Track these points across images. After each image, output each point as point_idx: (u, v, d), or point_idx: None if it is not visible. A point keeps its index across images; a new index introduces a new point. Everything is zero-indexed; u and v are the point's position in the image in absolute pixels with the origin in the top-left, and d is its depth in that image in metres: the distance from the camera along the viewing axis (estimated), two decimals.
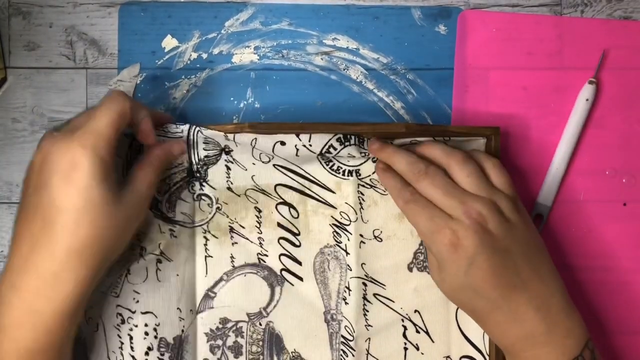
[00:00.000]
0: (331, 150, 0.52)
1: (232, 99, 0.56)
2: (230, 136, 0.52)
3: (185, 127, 0.51)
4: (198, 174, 0.52)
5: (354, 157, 0.52)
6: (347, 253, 0.53)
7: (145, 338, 0.51)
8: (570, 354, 0.46)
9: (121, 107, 0.45)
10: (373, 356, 0.53)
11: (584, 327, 0.47)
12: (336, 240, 0.53)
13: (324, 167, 0.53)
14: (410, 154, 0.49)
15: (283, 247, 0.53)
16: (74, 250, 0.42)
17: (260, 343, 0.53)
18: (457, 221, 0.46)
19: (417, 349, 0.53)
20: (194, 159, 0.51)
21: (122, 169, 0.51)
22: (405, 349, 0.53)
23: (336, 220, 0.53)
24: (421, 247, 0.53)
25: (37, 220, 0.42)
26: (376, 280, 0.53)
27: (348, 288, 0.53)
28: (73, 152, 0.42)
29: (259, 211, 0.53)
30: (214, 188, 0.52)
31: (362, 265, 0.53)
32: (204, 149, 0.51)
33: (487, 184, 0.48)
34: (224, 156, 0.52)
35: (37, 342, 0.42)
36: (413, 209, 0.48)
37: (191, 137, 0.51)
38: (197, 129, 0.51)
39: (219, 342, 0.53)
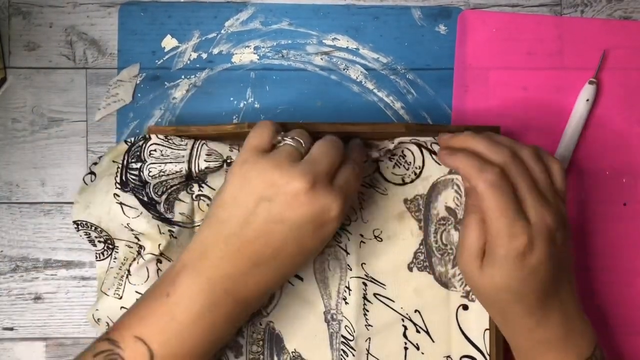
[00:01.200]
0: None
1: (232, 99, 0.56)
2: (235, 150, 0.51)
3: (191, 141, 0.51)
4: (197, 178, 0.52)
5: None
6: (347, 253, 0.53)
7: None
8: (583, 355, 0.46)
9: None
10: (373, 356, 0.53)
11: (593, 329, 0.47)
12: (336, 240, 0.53)
13: None
14: (489, 139, 0.46)
15: None
16: (288, 275, 0.46)
17: (261, 343, 0.53)
18: (537, 230, 0.44)
19: (418, 348, 0.53)
20: (194, 169, 0.50)
21: (120, 175, 0.51)
22: (406, 348, 0.53)
23: None
24: (421, 247, 0.53)
25: (262, 242, 0.43)
26: (376, 280, 0.53)
27: (348, 288, 0.53)
28: (333, 211, 0.43)
29: None
30: (213, 189, 0.52)
31: (362, 265, 0.53)
32: (205, 161, 0.50)
33: (552, 188, 0.46)
34: (224, 167, 0.51)
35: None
36: (496, 197, 0.43)
37: (194, 150, 0.51)
38: (202, 142, 0.51)
39: None
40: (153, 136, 0.50)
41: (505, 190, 0.44)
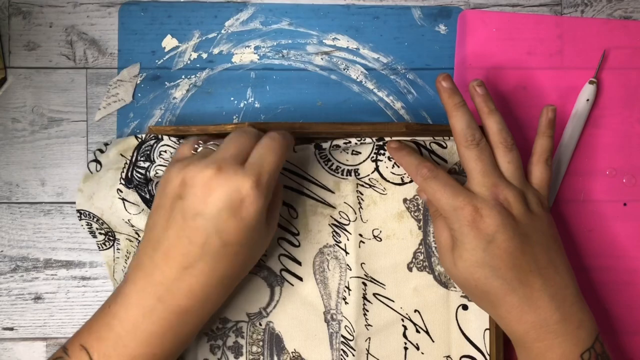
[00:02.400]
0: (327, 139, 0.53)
1: (232, 98, 0.56)
2: None
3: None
4: None
5: (349, 142, 0.53)
6: (347, 253, 0.53)
7: None
8: (582, 345, 0.46)
9: (287, 149, 0.45)
10: (373, 356, 0.53)
11: (594, 320, 0.47)
12: (335, 240, 0.53)
13: (322, 166, 0.53)
14: (472, 118, 0.49)
15: (282, 247, 0.53)
16: (228, 277, 0.44)
17: (261, 343, 0.53)
18: (482, 200, 0.46)
19: (417, 348, 0.53)
20: None
21: (127, 171, 0.51)
22: (406, 348, 0.53)
23: (335, 220, 0.53)
24: (420, 247, 0.53)
25: (185, 242, 0.42)
26: (376, 280, 0.53)
27: (348, 288, 0.53)
28: (245, 189, 0.42)
29: None
30: None
31: (361, 264, 0.53)
32: None
33: (522, 176, 0.49)
34: None
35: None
36: (432, 186, 0.48)
37: None
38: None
39: (219, 342, 0.53)
40: (165, 137, 0.50)
41: (440, 179, 0.48)
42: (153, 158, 0.50)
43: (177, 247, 0.42)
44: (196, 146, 0.47)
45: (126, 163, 0.51)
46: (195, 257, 0.42)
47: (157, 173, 0.50)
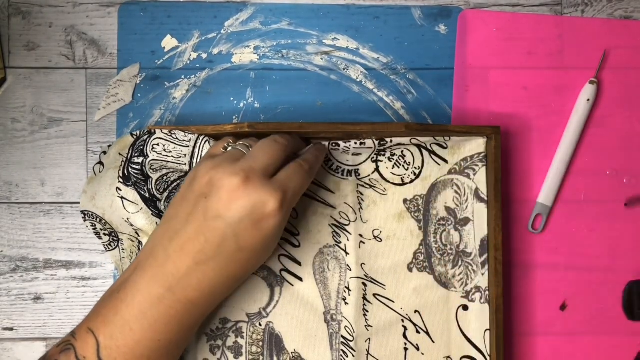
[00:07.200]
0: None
1: (231, 99, 0.56)
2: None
3: (194, 136, 0.51)
4: None
5: (349, 143, 0.52)
6: (347, 253, 0.53)
7: None
8: None
9: (314, 173, 0.48)
10: (373, 356, 0.53)
11: None
12: (335, 240, 0.53)
13: (322, 166, 0.53)
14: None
15: (282, 248, 0.53)
16: (235, 278, 0.46)
17: (260, 343, 0.53)
18: None
19: (418, 349, 0.53)
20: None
21: (123, 168, 0.51)
22: (406, 349, 0.53)
23: (335, 220, 0.53)
24: (421, 247, 0.53)
25: (202, 239, 0.44)
26: (376, 281, 0.53)
27: (348, 288, 0.53)
28: (270, 205, 0.44)
29: None
30: None
31: (361, 265, 0.53)
32: None
33: None
34: None
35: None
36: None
37: (197, 148, 0.51)
38: (205, 139, 0.51)
39: (219, 342, 0.53)
40: (157, 130, 0.51)
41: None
42: (146, 152, 0.50)
43: (194, 242, 0.44)
44: (226, 145, 0.48)
45: (123, 161, 0.51)
46: (209, 256, 0.44)
47: (152, 166, 0.50)
